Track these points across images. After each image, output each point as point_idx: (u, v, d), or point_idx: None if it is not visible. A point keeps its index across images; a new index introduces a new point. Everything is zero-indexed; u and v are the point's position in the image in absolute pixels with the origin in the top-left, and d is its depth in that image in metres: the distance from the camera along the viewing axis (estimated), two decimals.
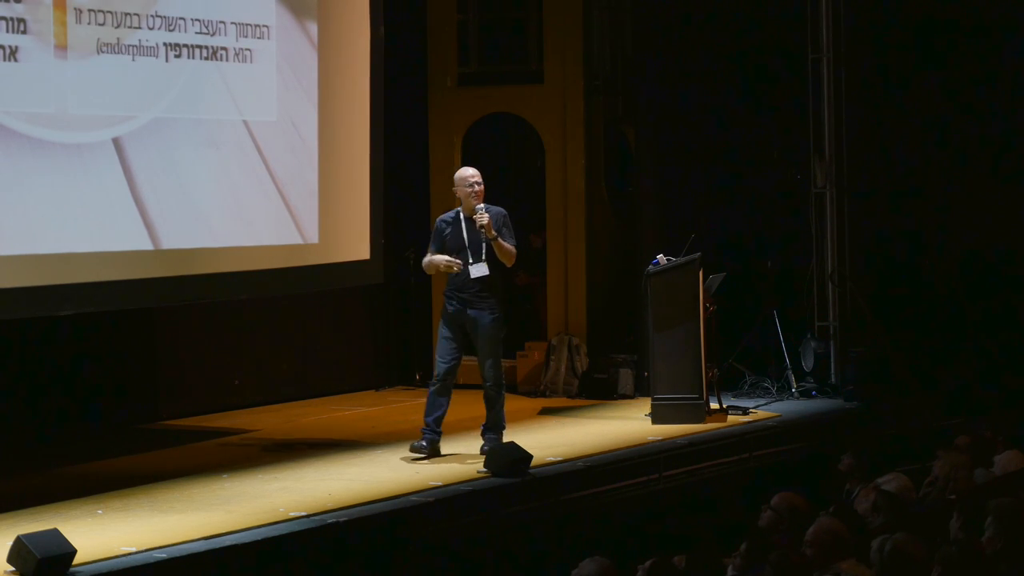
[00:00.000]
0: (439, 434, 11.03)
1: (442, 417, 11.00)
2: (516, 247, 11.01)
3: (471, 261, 10.88)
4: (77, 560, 8.12)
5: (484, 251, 10.87)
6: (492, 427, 11.06)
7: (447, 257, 10.94)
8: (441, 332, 11.02)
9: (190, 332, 13.43)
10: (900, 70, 15.25)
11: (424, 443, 10.96)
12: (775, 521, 7.20)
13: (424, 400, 11.01)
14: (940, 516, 7.39)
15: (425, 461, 10.89)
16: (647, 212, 14.24)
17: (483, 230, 10.80)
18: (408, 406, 13.69)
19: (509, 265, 11.00)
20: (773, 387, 14.07)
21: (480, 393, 10.94)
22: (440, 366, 10.96)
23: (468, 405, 12.94)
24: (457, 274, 10.94)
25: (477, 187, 10.87)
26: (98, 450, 11.62)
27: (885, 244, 15.32)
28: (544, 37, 14.86)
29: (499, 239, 10.84)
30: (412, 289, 14.88)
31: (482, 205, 10.84)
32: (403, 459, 10.96)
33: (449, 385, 10.98)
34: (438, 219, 11.15)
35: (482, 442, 11.06)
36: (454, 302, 10.99)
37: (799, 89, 14.71)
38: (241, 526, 9.07)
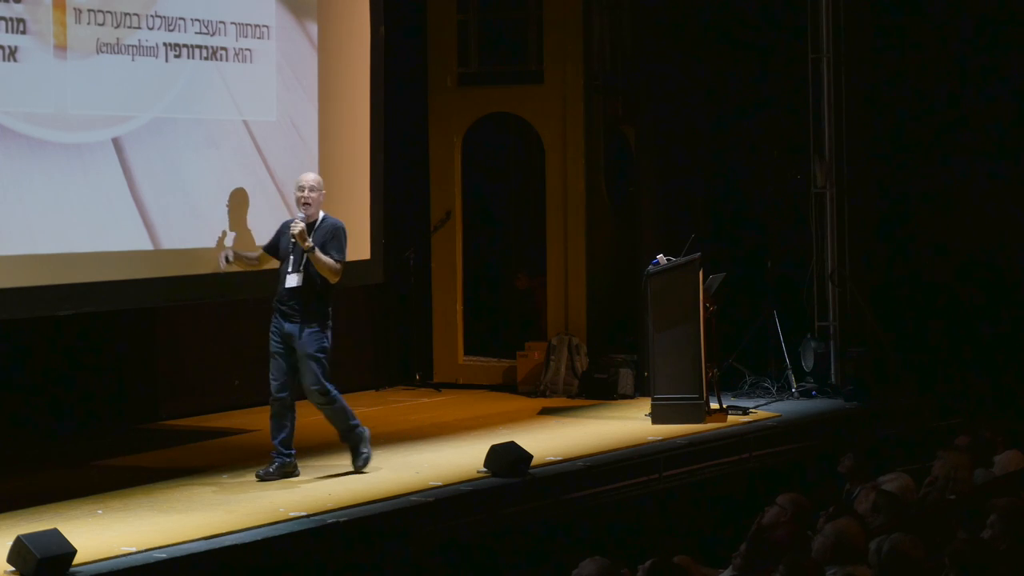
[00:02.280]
0: (290, 455, 10.35)
1: (289, 438, 10.32)
2: (341, 263, 10.26)
3: (289, 270, 10.28)
4: (77, 560, 8.12)
5: (303, 261, 10.22)
6: (347, 437, 10.52)
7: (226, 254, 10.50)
8: (270, 347, 10.35)
9: (190, 332, 13.42)
10: (900, 70, 15.24)
11: (271, 468, 10.30)
12: (778, 518, 7.19)
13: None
14: (940, 516, 7.40)
15: (425, 462, 10.88)
16: (647, 212, 14.24)
17: (295, 239, 10.25)
18: (408, 406, 13.68)
19: (332, 281, 10.25)
20: (773, 387, 14.07)
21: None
22: (271, 384, 10.30)
23: (468, 405, 12.96)
24: (279, 283, 10.35)
25: (299, 194, 10.34)
26: (98, 450, 11.62)
27: (885, 244, 15.32)
28: (544, 37, 14.85)
29: (316, 252, 10.16)
30: (412, 289, 14.88)
31: (302, 214, 10.28)
32: (402, 459, 10.97)
33: (287, 403, 10.29)
34: (284, 220, 10.56)
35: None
36: (276, 314, 10.34)
37: (799, 89, 14.71)
38: (241, 526, 9.07)
